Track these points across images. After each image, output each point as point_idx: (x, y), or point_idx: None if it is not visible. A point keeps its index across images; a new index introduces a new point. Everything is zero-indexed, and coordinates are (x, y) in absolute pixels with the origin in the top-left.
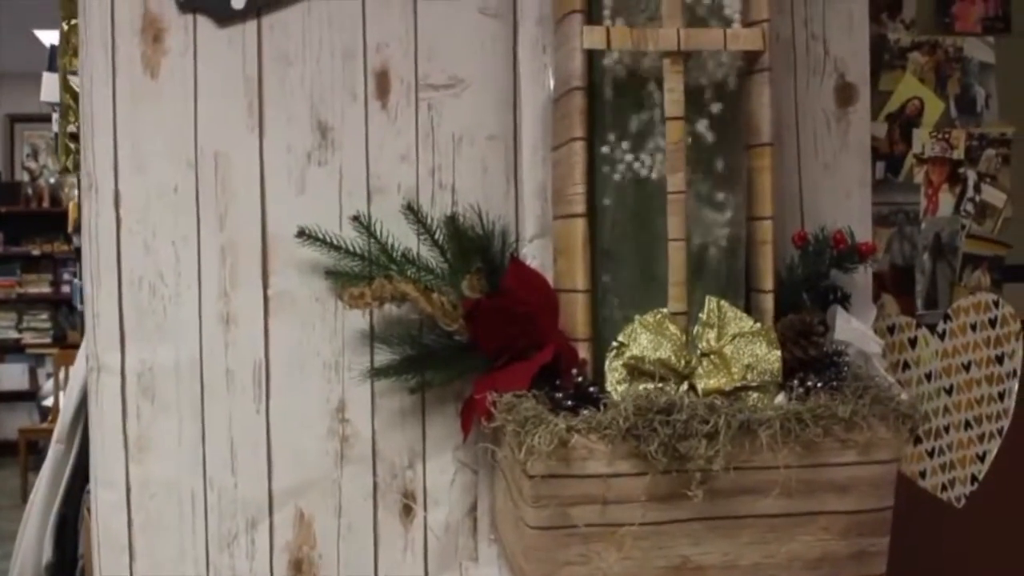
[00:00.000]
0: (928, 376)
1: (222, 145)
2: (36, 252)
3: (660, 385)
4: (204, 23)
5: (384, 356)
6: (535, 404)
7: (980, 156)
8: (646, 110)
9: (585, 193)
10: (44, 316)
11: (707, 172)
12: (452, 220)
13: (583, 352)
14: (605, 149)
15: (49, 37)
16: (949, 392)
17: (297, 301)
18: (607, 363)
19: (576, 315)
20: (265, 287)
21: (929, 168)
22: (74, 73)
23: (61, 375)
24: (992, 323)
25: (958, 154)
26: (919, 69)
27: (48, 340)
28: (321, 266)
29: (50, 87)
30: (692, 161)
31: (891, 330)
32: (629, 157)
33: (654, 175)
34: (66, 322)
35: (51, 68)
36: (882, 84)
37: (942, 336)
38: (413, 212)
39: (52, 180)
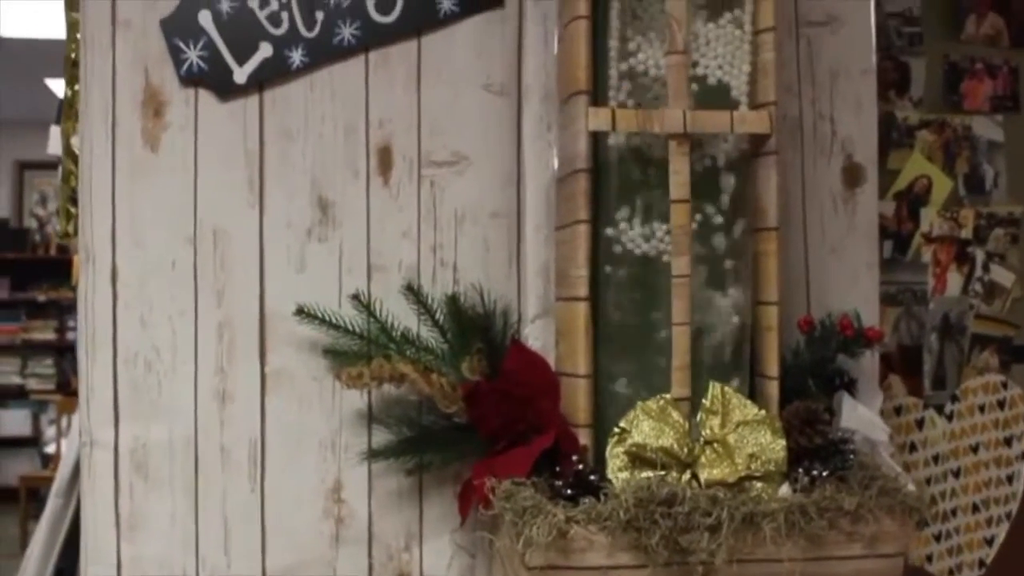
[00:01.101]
0: (935, 458)
1: (222, 220)
2: (42, 298)
3: (662, 474)
4: (206, 97)
5: (382, 436)
6: (534, 493)
7: (989, 235)
8: (651, 192)
9: (588, 276)
10: (48, 362)
11: (713, 255)
12: (453, 300)
13: (584, 438)
14: (610, 231)
15: (59, 86)
16: (957, 475)
17: (294, 379)
18: (608, 449)
19: (577, 400)
20: (262, 364)
21: (937, 247)
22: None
23: (63, 422)
24: (1001, 405)
25: (966, 233)
26: (927, 147)
27: (51, 386)
28: (320, 344)
29: (57, 140)
30: (698, 244)
31: (898, 411)
32: (634, 239)
33: (659, 258)
34: (70, 368)
35: (59, 121)
36: (890, 162)
37: (950, 417)
38: (413, 293)
39: (59, 227)
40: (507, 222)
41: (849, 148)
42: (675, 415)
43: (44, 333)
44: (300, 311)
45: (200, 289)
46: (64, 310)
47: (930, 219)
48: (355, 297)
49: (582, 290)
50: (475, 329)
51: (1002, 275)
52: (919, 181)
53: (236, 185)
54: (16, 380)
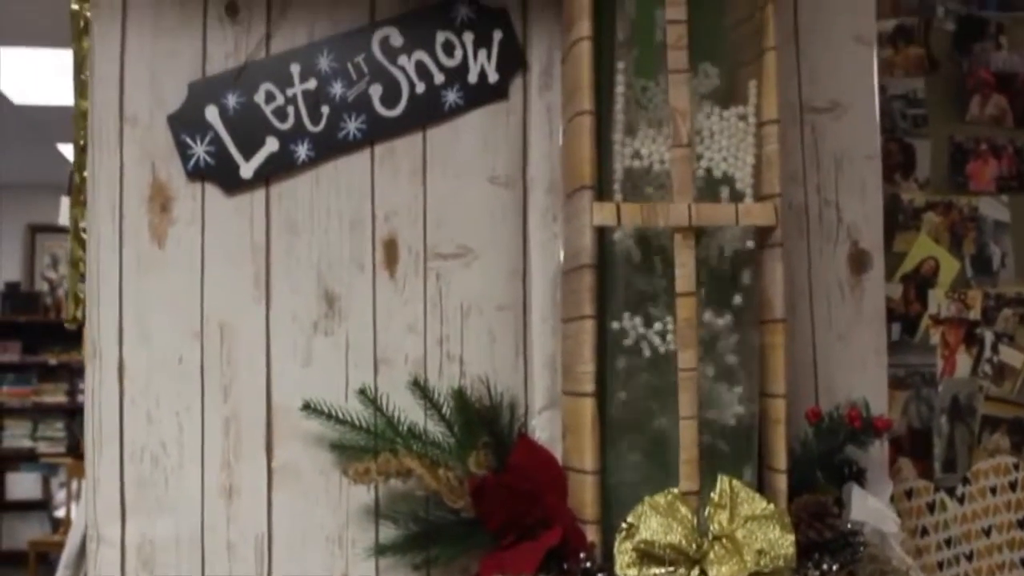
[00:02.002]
0: (947, 542)
1: (228, 315)
2: (53, 361)
3: (671, 570)
4: (212, 192)
5: (389, 532)
6: None
7: (997, 316)
8: (657, 285)
9: (594, 372)
10: (59, 425)
11: (719, 348)
12: (459, 394)
13: (591, 534)
14: (616, 324)
15: (71, 151)
16: (969, 558)
17: (301, 474)
18: (616, 545)
19: (584, 495)
20: (269, 459)
21: (945, 329)
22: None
23: (74, 486)
24: (1012, 487)
25: (975, 314)
26: (934, 229)
27: (62, 449)
28: (326, 439)
29: (67, 212)
30: (704, 337)
31: (909, 495)
32: (640, 333)
33: (665, 351)
34: (80, 432)
35: (70, 192)
36: (896, 245)
37: (961, 500)
38: (420, 388)
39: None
40: (513, 314)
41: (855, 234)
42: (683, 510)
43: (55, 396)
44: (307, 406)
45: (207, 384)
46: (75, 373)
47: (938, 301)
48: (362, 392)
49: (588, 386)
50: (482, 422)
51: (1012, 356)
52: (926, 263)
53: (242, 280)
54: (27, 443)
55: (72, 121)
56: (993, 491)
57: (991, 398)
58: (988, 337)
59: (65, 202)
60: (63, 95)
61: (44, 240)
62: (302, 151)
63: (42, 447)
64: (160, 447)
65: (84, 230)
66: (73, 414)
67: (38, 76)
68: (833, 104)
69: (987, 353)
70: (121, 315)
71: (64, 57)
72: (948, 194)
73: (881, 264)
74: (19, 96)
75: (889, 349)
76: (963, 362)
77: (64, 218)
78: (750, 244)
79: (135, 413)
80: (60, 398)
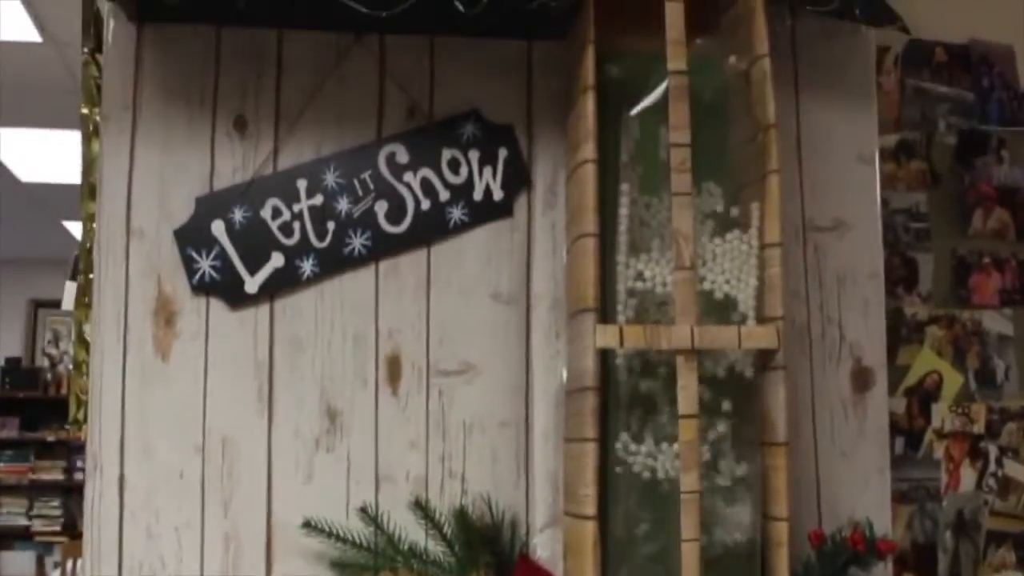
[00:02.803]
0: None
1: (230, 430)
2: (51, 438)
3: None
4: (217, 306)
5: None
6: None
7: (1001, 430)
8: (660, 407)
9: (596, 495)
10: (55, 503)
11: (722, 470)
12: (461, 514)
13: None
14: (618, 446)
15: (76, 228)
16: None
17: None
18: None
19: None
20: None
21: (950, 443)
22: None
23: (68, 565)
24: None
25: (979, 428)
26: (937, 343)
27: (58, 528)
28: (327, 556)
29: (71, 296)
30: (706, 458)
31: None
32: (642, 455)
33: (668, 473)
34: (77, 510)
35: (74, 277)
36: (900, 358)
37: None
38: (421, 508)
39: (71, 366)
40: (515, 431)
41: (858, 352)
42: None
43: (52, 473)
44: (307, 524)
45: (207, 499)
46: (73, 450)
47: (941, 415)
48: (363, 510)
49: (590, 509)
50: (483, 541)
51: (1016, 470)
52: (929, 377)
53: (245, 394)
54: (22, 521)
55: (80, 218)
56: None
57: (996, 513)
58: (992, 451)
59: (69, 287)
60: (68, 174)
61: (46, 315)
62: (307, 267)
63: (37, 525)
64: (159, 562)
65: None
66: (70, 492)
67: (44, 155)
68: (836, 223)
69: (992, 467)
70: (123, 428)
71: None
72: (951, 308)
73: (884, 381)
74: (25, 174)
75: (893, 463)
76: (967, 476)
77: (67, 303)
78: (751, 370)
79: (135, 528)
80: (57, 475)
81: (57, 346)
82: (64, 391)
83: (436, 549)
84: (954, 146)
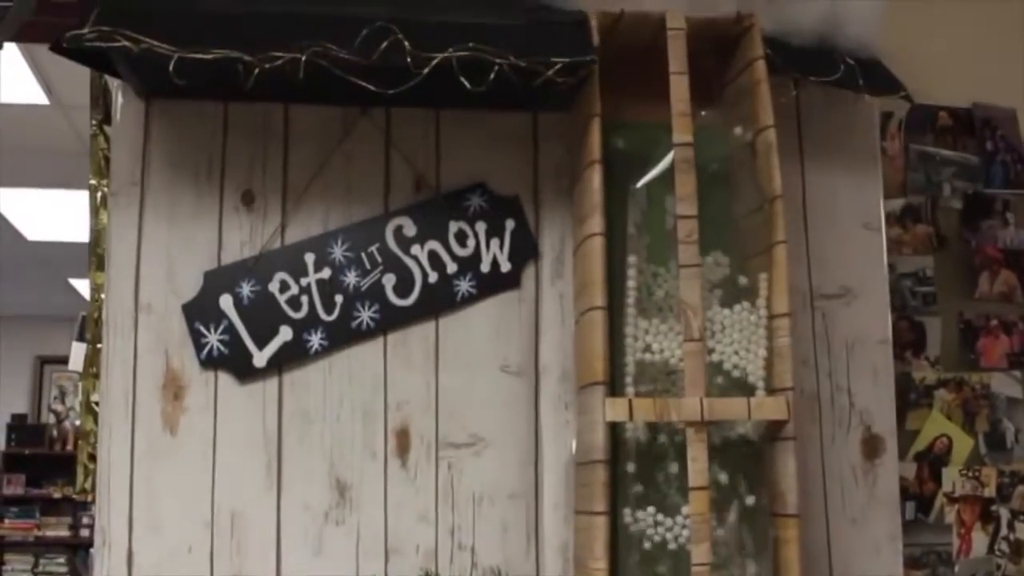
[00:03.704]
0: None
1: (239, 503)
2: (57, 495)
3: None
4: (225, 380)
5: None
6: None
7: (1013, 493)
8: (669, 479)
9: (607, 569)
10: (61, 560)
11: (732, 540)
12: None
13: None
14: (627, 518)
15: (83, 285)
16: None
17: None
18: None
19: None
20: None
21: (960, 507)
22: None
23: None
24: None
25: (990, 492)
26: (946, 406)
27: None
28: None
29: (79, 358)
30: (716, 529)
31: None
32: (652, 527)
33: (678, 545)
34: (83, 566)
35: (81, 338)
36: (909, 423)
37: None
38: None
39: (77, 423)
40: (525, 502)
41: (867, 419)
42: None
43: (58, 530)
44: None
45: (216, 573)
46: (78, 507)
47: (952, 479)
48: None
49: None
50: None
51: None
52: (939, 441)
53: (254, 467)
54: None
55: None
56: None
57: None
58: (1004, 515)
59: (76, 347)
60: (76, 232)
61: (52, 371)
62: (315, 340)
63: None
64: None
65: (96, 403)
66: (75, 549)
67: (51, 215)
68: (843, 290)
69: (1003, 531)
70: (131, 503)
71: (78, 197)
72: (959, 371)
73: (894, 448)
74: (32, 233)
75: (904, 528)
76: (979, 540)
77: (74, 364)
78: (760, 438)
79: None
80: (63, 532)
81: (63, 402)
82: (70, 447)
83: None
84: (959, 210)
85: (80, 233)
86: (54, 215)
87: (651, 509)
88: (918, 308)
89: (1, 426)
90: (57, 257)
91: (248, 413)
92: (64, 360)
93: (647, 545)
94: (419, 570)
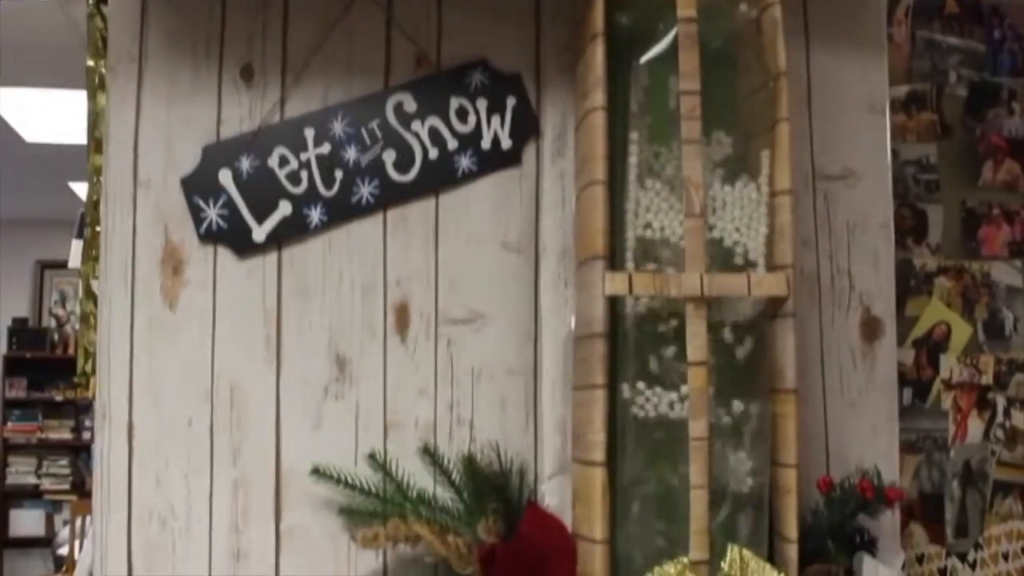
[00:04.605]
0: None
1: (238, 378)
2: (59, 398)
3: None
4: (224, 255)
5: None
6: None
7: (1009, 381)
8: (669, 354)
9: (605, 441)
10: (64, 462)
11: (731, 417)
12: (469, 461)
13: None
14: (627, 393)
15: (82, 189)
16: None
17: (310, 538)
18: None
19: (594, 565)
20: (277, 523)
21: (957, 394)
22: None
23: (78, 524)
24: None
25: (987, 379)
26: (946, 294)
27: (67, 487)
28: (335, 503)
29: (77, 255)
30: (715, 406)
31: (920, 560)
32: (651, 401)
33: (676, 420)
34: (85, 469)
35: (80, 235)
36: (908, 309)
37: (973, 566)
38: (430, 454)
39: (78, 327)
40: (524, 379)
41: (867, 302)
42: None
43: (60, 433)
44: (316, 471)
45: (216, 447)
46: (81, 410)
47: (950, 366)
48: (371, 457)
49: (599, 455)
50: (492, 488)
51: None
52: (938, 328)
53: (253, 343)
54: (31, 480)
55: (83, 160)
56: (1005, 557)
57: (1003, 463)
58: (1000, 402)
59: (75, 245)
60: (75, 134)
61: (53, 276)
62: (315, 215)
63: (46, 484)
64: (168, 510)
65: (96, 284)
66: (78, 451)
67: (50, 115)
68: (846, 172)
69: (999, 418)
70: (131, 377)
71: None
72: (960, 259)
73: (893, 331)
74: (31, 134)
75: (900, 414)
76: (975, 427)
77: (74, 261)
78: (760, 318)
79: (144, 475)
80: (65, 435)
81: (64, 306)
82: (71, 351)
83: (444, 496)
84: (965, 98)
85: (80, 134)
86: (53, 116)
87: (650, 384)
88: (920, 195)
89: (2, 330)
90: (57, 160)
91: (247, 288)
92: (64, 265)
93: (645, 418)
94: (418, 443)
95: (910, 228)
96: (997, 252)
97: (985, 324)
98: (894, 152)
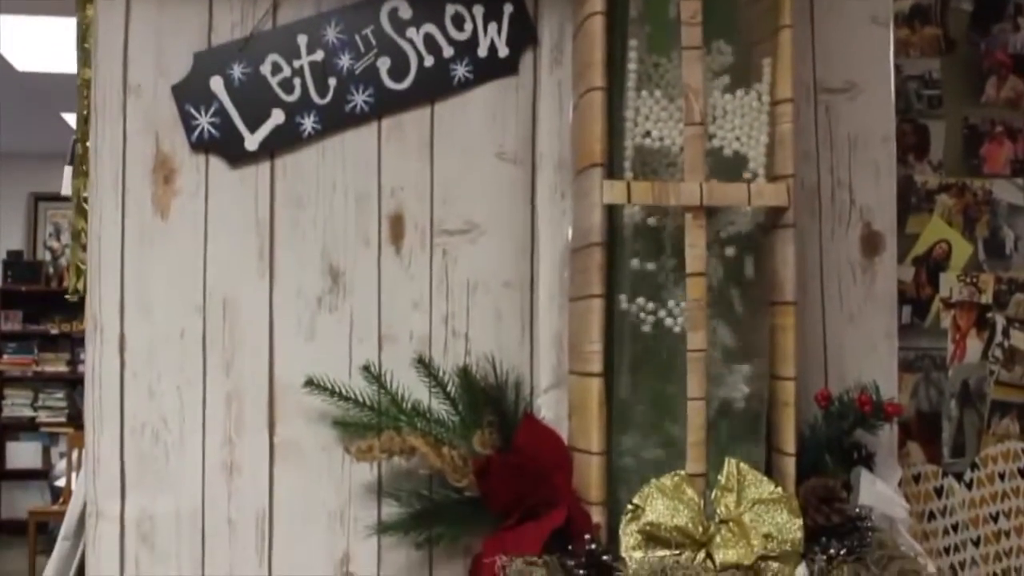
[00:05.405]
0: (955, 527)
1: (231, 289)
2: (54, 331)
3: (677, 554)
4: (216, 164)
5: (392, 509)
6: (546, 573)
7: (1009, 300)
8: (667, 265)
9: (602, 352)
10: (60, 395)
11: (729, 329)
12: (465, 372)
13: (597, 515)
14: (624, 304)
15: (75, 120)
16: (976, 543)
17: (303, 450)
18: (622, 526)
19: (590, 476)
20: (271, 435)
21: (957, 313)
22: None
23: (74, 456)
24: (1021, 472)
25: (986, 298)
26: (947, 211)
27: (63, 419)
28: (329, 415)
29: (69, 182)
30: (713, 317)
31: (916, 479)
32: (649, 312)
33: (674, 331)
34: (81, 401)
35: (72, 162)
36: (909, 227)
37: (969, 485)
38: (425, 366)
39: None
40: (520, 291)
41: (868, 216)
42: (689, 492)
43: (56, 365)
44: (309, 383)
45: (209, 359)
46: (76, 342)
47: (949, 284)
48: (366, 368)
49: (596, 366)
50: (487, 401)
51: (1023, 341)
52: (938, 246)
53: (246, 253)
54: (28, 412)
55: (76, 91)
56: (1002, 476)
57: (1001, 383)
58: (1000, 322)
59: (68, 172)
60: (67, 63)
61: (47, 209)
62: (308, 124)
63: (43, 416)
64: (161, 422)
65: (87, 200)
66: (74, 384)
67: (42, 44)
68: (848, 85)
69: (998, 338)
70: (123, 288)
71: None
72: (962, 176)
73: (894, 247)
74: (23, 63)
75: (899, 332)
76: (974, 346)
77: (67, 188)
78: (761, 224)
79: (136, 387)
80: (61, 368)
81: (59, 239)
82: (67, 284)
83: (440, 408)
84: (969, 12)
85: (73, 64)
86: (46, 44)
87: (647, 295)
88: (923, 111)
89: None
90: (50, 90)
91: (240, 197)
92: (59, 198)
93: (643, 331)
94: (412, 356)
95: (912, 144)
96: (999, 170)
97: (986, 242)
98: (897, 67)
